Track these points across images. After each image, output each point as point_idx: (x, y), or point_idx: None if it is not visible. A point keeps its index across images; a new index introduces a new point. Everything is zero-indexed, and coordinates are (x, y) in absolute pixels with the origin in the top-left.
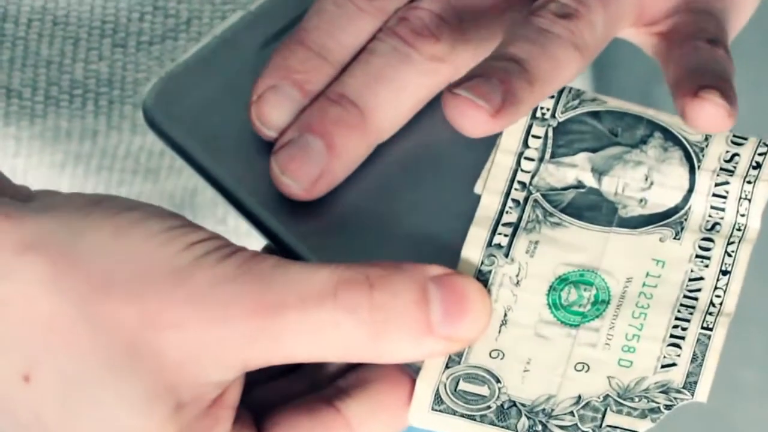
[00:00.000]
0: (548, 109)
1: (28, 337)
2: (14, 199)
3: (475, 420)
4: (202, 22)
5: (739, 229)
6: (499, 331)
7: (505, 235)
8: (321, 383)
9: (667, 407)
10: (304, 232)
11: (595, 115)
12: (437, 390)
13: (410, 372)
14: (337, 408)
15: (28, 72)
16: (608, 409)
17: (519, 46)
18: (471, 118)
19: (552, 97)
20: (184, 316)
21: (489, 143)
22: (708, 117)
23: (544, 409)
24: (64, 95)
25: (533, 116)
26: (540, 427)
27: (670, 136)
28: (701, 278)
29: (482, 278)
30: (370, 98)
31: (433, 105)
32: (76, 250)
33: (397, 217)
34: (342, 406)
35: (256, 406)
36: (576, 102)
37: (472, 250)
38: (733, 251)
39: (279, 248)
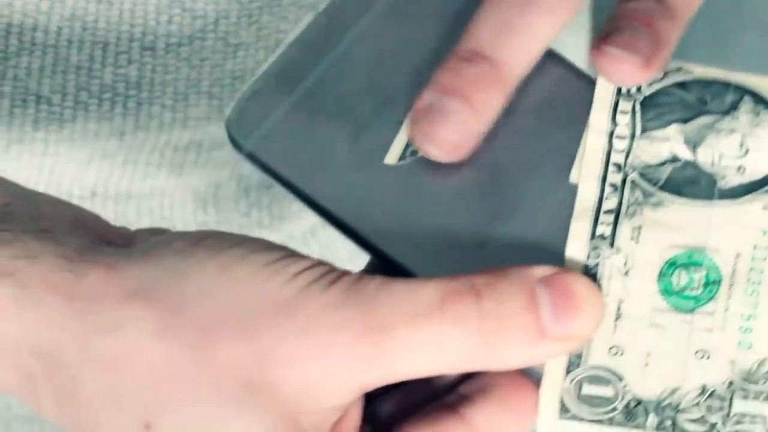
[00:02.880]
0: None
1: (144, 387)
2: (115, 245)
3: (602, 423)
4: (229, 21)
5: None
6: (615, 326)
7: (608, 224)
8: (441, 391)
9: None
10: (403, 242)
11: (681, 85)
12: (562, 398)
13: (531, 375)
14: (461, 416)
15: (58, 78)
16: (734, 396)
17: None
18: (624, 73)
19: None
20: (296, 348)
21: (576, 127)
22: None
23: (670, 404)
24: (93, 99)
25: (618, 92)
26: (669, 423)
27: (759, 100)
28: None
29: (590, 272)
30: (503, 50)
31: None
32: (182, 295)
33: (495, 219)
34: (466, 414)
35: (378, 421)
36: (660, 74)
37: (577, 244)
38: None
39: (377, 258)
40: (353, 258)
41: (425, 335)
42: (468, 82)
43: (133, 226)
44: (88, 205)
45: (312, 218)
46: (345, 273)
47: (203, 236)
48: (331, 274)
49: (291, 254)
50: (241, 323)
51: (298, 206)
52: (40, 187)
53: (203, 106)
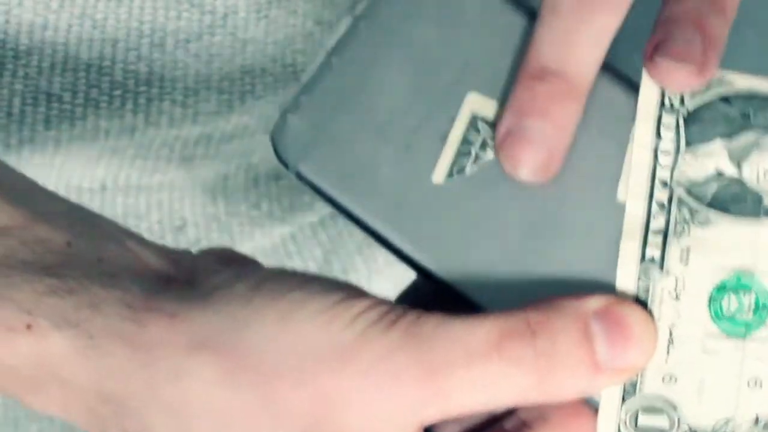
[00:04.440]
0: (676, 97)
1: (210, 431)
2: (178, 284)
3: None
4: (238, 16)
5: None
6: (668, 352)
7: (657, 246)
8: (500, 414)
9: None
10: (451, 262)
11: (724, 99)
12: (619, 429)
13: (589, 401)
14: None
15: (69, 76)
16: None
17: None
18: (678, 80)
19: None
20: (356, 392)
21: (619, 142)
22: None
23: None
24: (104, 97)
25: (661, 105)
26: None
27: None
28: None
29: (641, 297)
30: (571, 62)
31: None
32: (244, 344)
33: (545, 239)
34: None
35: None
36: (703, 87)
37: (628, 266)
38: None
39: (425, 277)
40: (361, 249)
41: (482, 376)
42: (544, 100)
43: (143, 218)
44: (97, 198)
45: (322, 210)
46: (404, 312)
47: (263, 279)
48: (390, 314)
49: (350, 295)
50: (302, 369)
51: (307, 198)
52: (50, 183)
53: (213, 101)
